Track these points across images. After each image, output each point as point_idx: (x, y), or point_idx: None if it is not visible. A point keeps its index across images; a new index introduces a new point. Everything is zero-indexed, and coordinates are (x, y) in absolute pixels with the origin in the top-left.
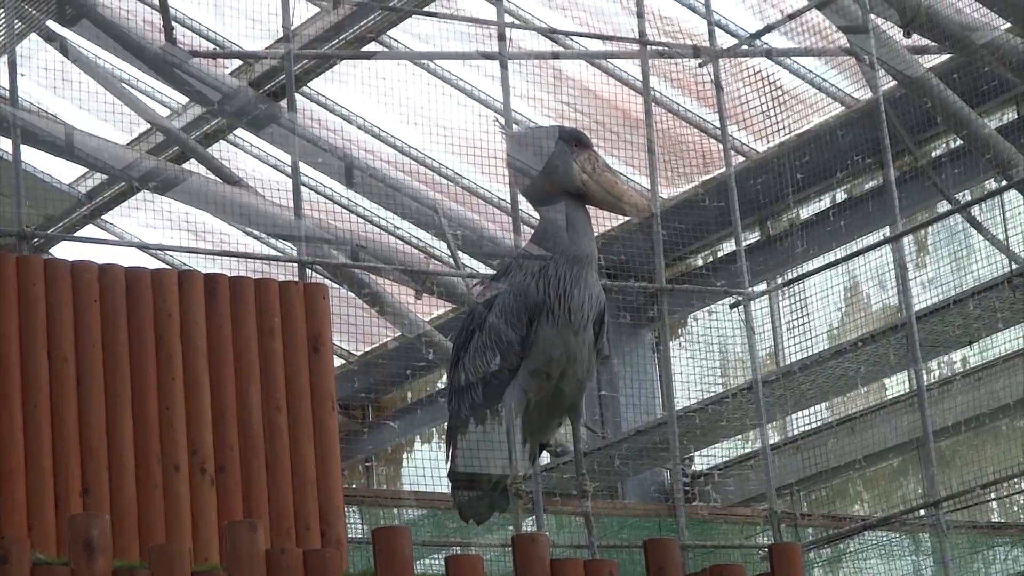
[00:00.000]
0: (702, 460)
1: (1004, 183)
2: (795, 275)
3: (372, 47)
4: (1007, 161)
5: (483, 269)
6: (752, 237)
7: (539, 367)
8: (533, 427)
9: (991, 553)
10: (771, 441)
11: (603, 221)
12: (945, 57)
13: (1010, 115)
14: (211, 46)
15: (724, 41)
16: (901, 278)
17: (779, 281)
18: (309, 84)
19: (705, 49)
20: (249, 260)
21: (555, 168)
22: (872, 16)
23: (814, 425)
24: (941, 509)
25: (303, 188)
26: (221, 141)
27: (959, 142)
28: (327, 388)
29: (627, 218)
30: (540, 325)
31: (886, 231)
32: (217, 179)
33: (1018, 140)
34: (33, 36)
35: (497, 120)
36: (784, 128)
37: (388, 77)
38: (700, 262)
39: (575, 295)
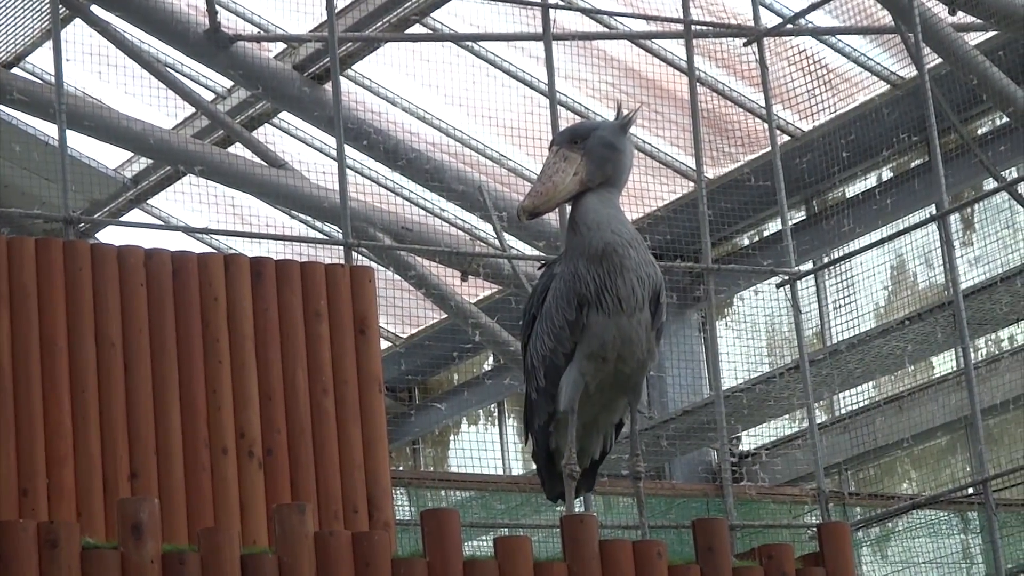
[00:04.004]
0: (749, 440)
1: None
2: (841, 254)
3: (416, 29)
4: None
5: (529, 250)
6: (798, 216)
7: (594, 351)
8: (598, 409)
9: None
10: (818, 420)
11: (648, 202)
12: (991, 34)
13: None
14: (255, 29)
15: (768, 20)
16: (948, 256)
17: (825, 260)
18: (353, 67)
19: (749, 28)
20: (295, 243)
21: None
22: None
23: (861, 404)
24: (989, 487)
25: (348, 171)
26: (266, 124)
27: (1005, 119)
28: (374, 370)
29: (673, 198)
30: (591, 312)
31: (932, 209)
32: (262, 162)
33: None
34: (77, 21)
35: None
36: (829, 107)
37: (432, 59)
38: (746, 242)
39: (620, 285)
